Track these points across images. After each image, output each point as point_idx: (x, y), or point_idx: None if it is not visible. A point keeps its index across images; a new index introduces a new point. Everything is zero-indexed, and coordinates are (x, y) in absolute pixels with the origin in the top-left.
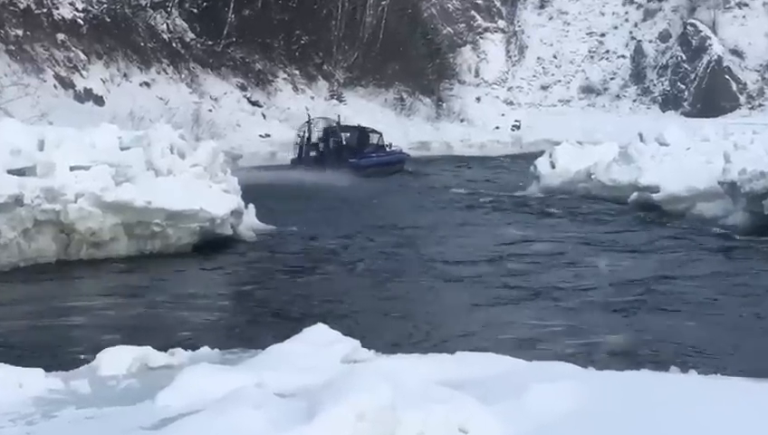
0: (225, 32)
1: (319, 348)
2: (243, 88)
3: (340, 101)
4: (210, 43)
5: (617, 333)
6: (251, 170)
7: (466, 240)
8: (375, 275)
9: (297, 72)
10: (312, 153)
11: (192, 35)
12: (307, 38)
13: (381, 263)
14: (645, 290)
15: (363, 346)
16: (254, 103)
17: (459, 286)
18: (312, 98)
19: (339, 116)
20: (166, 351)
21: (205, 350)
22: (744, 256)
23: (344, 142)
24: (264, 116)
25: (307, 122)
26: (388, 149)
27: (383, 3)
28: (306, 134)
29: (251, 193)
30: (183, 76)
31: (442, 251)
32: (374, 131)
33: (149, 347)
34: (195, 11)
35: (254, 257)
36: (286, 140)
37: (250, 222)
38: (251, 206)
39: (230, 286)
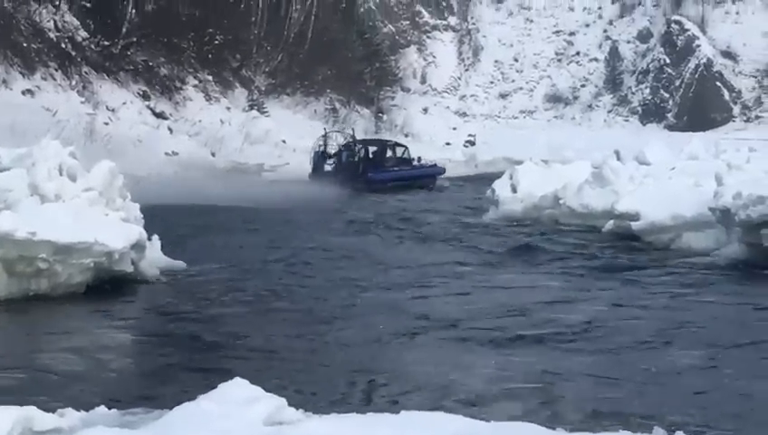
0: (124, 30)
1: (236, 407)
2: (145, 97)
3: (262, 113)
4: (106, 43)
5: (589, 387)
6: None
7: (409, 276)
8: (303, 318)
9: (210, 77)
10: (328, 168)
11: (85, 34)
12: (222, 37)
13: (311, 304)
14: (620, 335)
15: (290, 405)
16: (159, 115)
17: (402, 330)
18: (228, 109)
19: (353, 130)
20: (54, 411)
21: (101, 410)
22: (740, 296)
23: (363, 156)
24: (171, 130)
25: (323, 136)
26: (415, 163)
27: None
28: (322, 148)
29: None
30: (74, 83)
31: (381, 289)
32: (398, 145)
33: (34, 407)
34: (88, 5)
35: (158, 299)
36: (197, 158)
37: (154, 257)
38: (155, 238)
39: (131, 334)
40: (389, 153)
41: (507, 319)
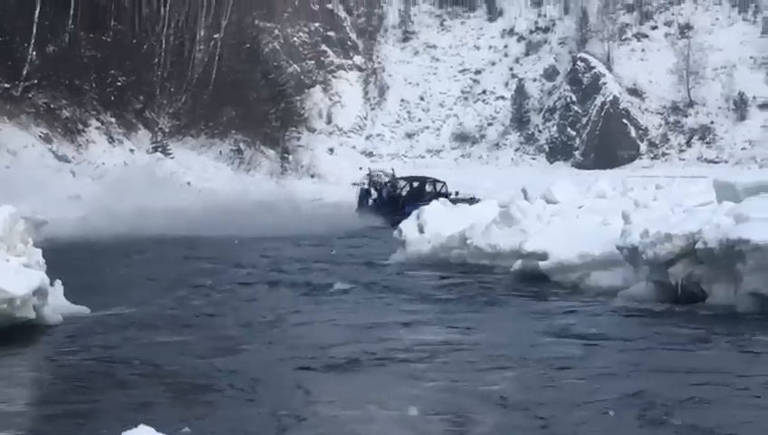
0: (24, 72)
1: None
2: (47, 139)
3: (166, 154)
4: (7, 85)
5: (470, 418)
6: None
7: (308, 322)
8: (207, 357)
9: (113, 119)
10: (371, 203)
11: None
12: (124, 79)
13: (213, 342)
14: (521, 381)
15: None
16: (61, 158)
17: (306, 366)
18: (132, 151)
19: (393, 169)
20: None
21: None
22: (645, 337)
23: (403, 191)
24: (74, 173)
25: (368, 175)
26: (452, 196)
27: (216, 36)
28: (366, 186)
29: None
30: None
31: (281, 325)
32: (437, 181)
33: None
34: None
35: (61, 345)
36: (103, 203)
37: (57, 303)
38: (58, 283)
39: (32, 381)
40: (429, 188)
41: (395, 353)
